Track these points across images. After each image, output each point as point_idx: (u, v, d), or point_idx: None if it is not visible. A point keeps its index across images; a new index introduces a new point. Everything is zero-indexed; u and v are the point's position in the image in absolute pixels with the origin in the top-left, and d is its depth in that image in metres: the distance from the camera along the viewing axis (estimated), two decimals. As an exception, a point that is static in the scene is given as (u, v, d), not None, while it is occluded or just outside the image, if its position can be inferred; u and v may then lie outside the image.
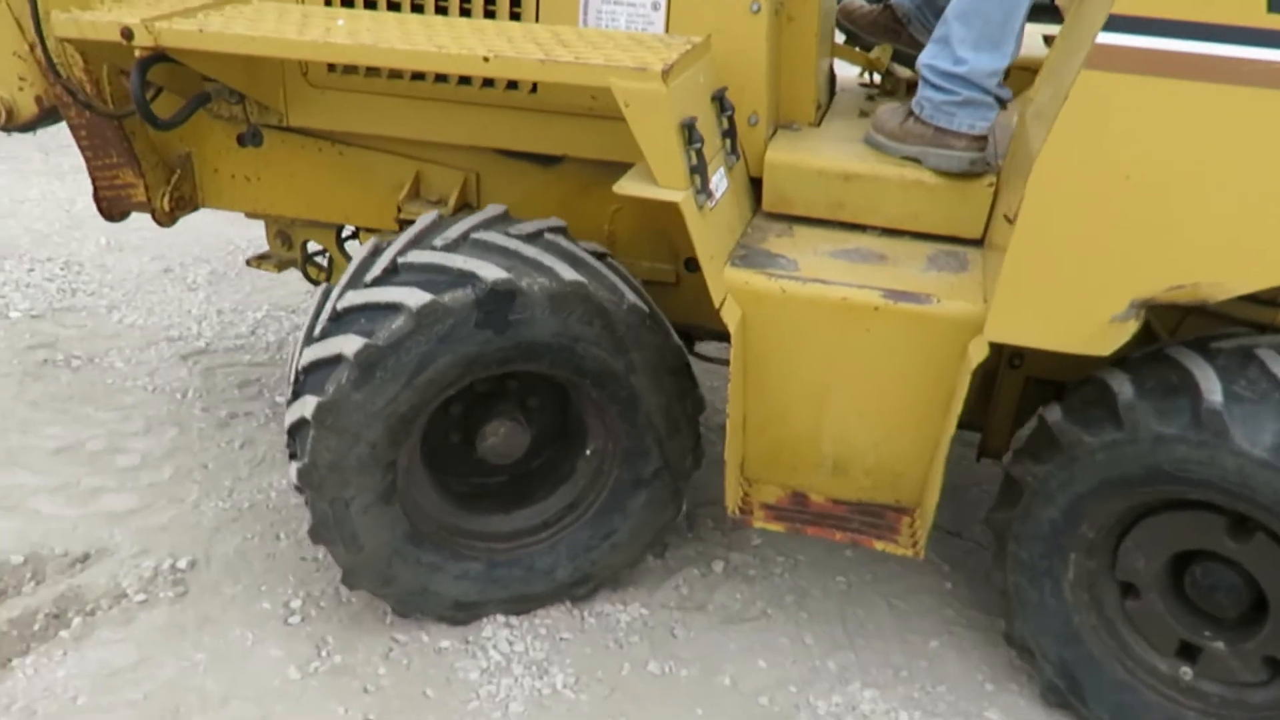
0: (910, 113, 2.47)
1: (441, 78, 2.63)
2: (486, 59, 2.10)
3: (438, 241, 2.36)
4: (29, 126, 2.98)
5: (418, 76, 2.64)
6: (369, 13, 2.51)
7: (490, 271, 2.21)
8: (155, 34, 2.25)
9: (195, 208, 3.08)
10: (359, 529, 2.37)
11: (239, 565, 2.73)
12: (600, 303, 2.28)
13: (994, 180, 2.36)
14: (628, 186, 2.11)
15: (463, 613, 2.54)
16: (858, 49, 3.14)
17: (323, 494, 2.31)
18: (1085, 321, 1.94)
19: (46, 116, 2.94)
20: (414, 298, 2.20)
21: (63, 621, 2.52)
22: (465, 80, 2.61)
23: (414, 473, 2.47)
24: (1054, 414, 2.12)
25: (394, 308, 2.20)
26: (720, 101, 2.36)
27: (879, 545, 2.26)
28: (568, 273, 2.28)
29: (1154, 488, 2.02)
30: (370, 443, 2.28)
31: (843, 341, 2.21)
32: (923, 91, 2.42)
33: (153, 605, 2.58)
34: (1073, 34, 2.08)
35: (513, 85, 2.59)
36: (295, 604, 2.60)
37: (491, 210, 2.48)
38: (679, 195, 2.08)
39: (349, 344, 2.21)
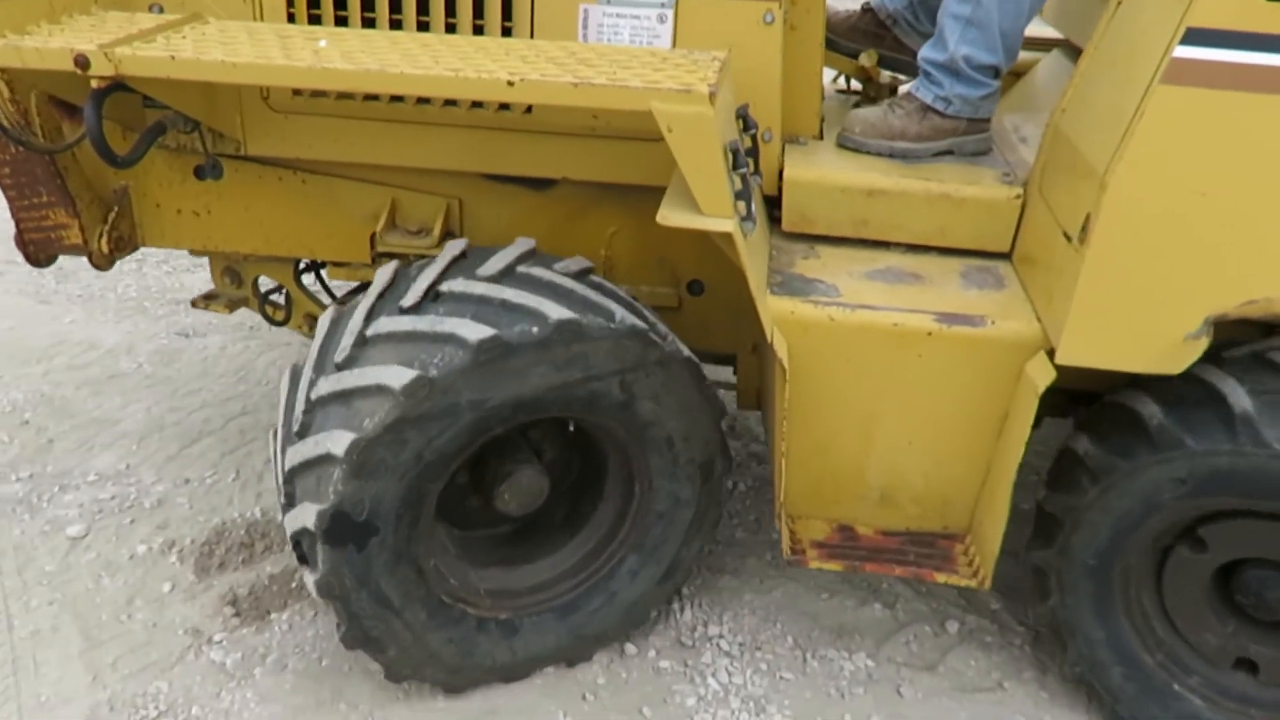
0: (929, 109, 2.43)
1: (424, 99, 2.42)
2: (511, 83, 1.91)
3: (405, 303, 2.12)
4: None
5: (397, 98, 2.43)
6: (353, 31, 2.28)
7: (474, 331, 2.00)
8: (116, 61, 1.98)
9: (135, 248, 2.76)
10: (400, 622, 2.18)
11: None
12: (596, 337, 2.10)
13: (1020, 193, 2.30)
14: (672, 218, 1.96)
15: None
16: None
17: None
18: (1159, 340, 1.90)
19: None
20: (399, 376, 1.98)
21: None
22: (451, 101, 2.41)
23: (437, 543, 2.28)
24: (1083, 444, 2.08)
25: (380, 390, 1.99)
26: (744, 120, 2.24)
27: (940, 578, 2.18)
28: (556, 312, 2.07)
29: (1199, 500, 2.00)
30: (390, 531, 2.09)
31: (893, 368, 2.12)
32: (953, 88, 2.39)
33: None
34: (1119, 43, 2.03)
35: (504, 105, 2.40)
36: None
37: (453, 250, 2.25)
38: (729, 224, 1.94)
39: (336, 441, 2.00)
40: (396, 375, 1.98)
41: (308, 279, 2.95)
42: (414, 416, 2.00)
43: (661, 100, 1.88)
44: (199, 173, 2.54)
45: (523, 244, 2.23)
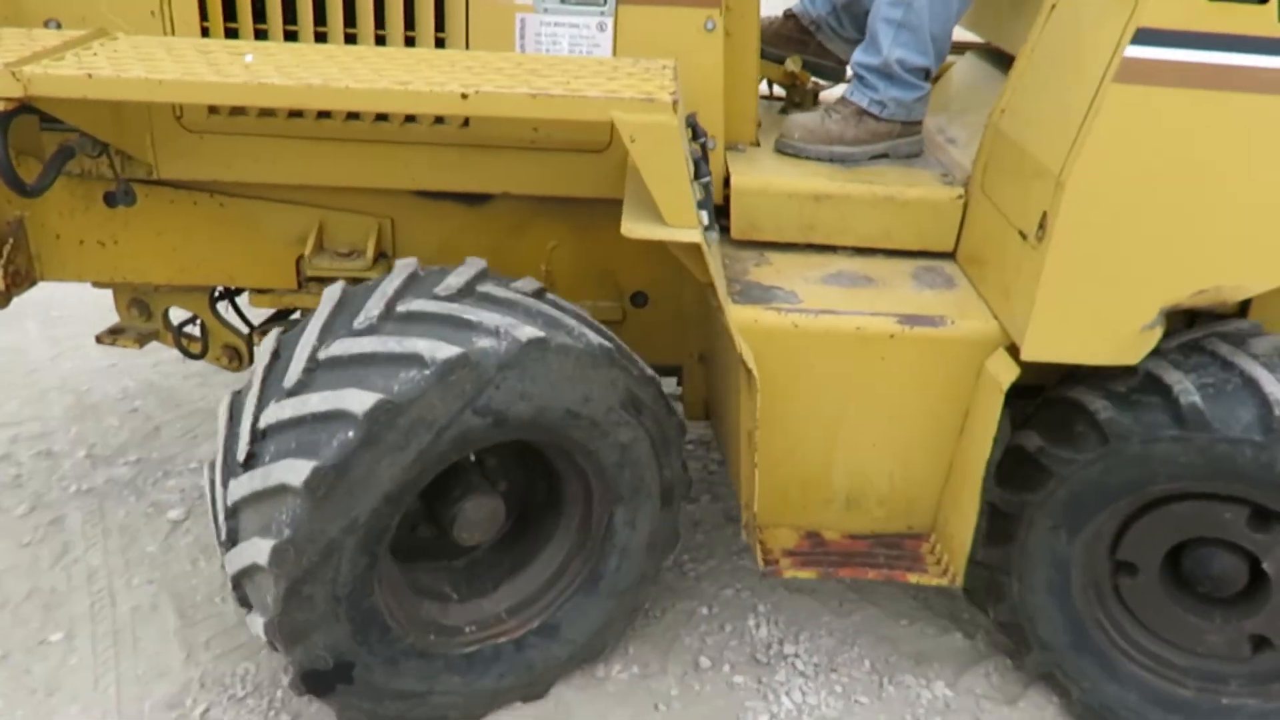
0: (865, 113, 2.46)
1: (353, 115, 2.31)
2: (465, 95, 1.83)
3: (359, 324, 2.00)
4: None
5: (324, 114, 2.31)
6: (279, 45, 2.16)
7: (443, 350, 1.91)
8: (25, 81, 1.82)
9: (33, 282, 2.56)
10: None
11: None
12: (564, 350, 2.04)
13: (962, 193, 2.34)
14: (637, 230, 1.91)
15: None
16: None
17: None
18: (1118, 332, 1.95)
19: None
20: (360, 400, 1.87)
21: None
22: (383, 116, 2.30)
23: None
24: (1033, 440, 2.13)
25: (340, 416, 1.87)
26: (694, 129, 2.21)
27: (912, 578, 2.19)
28: (524, 331, 1.99)
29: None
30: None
31: (857, 372, 2.12)
32: (887, 91, 2.41)
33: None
34: (1059, 46, 2.08)
35: (439, 120, 2.32)
36: None
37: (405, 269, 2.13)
38: (696, 235, 1.91)
39: (293, 471, 1.87)
40: (357, 399, 1.88)
41: (222, 308, 2.79)
42: (378, 441, 1.89)
43: (624, 110, 1.83)
44: (109, 199, 2.37)
45: (474, 263, 2.15)
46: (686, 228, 1.91)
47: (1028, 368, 2.03)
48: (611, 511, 2.23)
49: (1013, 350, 2.05)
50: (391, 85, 1.83)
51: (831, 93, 3.06)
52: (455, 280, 2.06)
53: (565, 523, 2.35)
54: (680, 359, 2.68)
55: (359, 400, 1.86)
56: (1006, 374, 2.02)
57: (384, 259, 2.53)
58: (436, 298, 2.03)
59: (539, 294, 2.16)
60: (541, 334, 1.97)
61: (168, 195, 2.46)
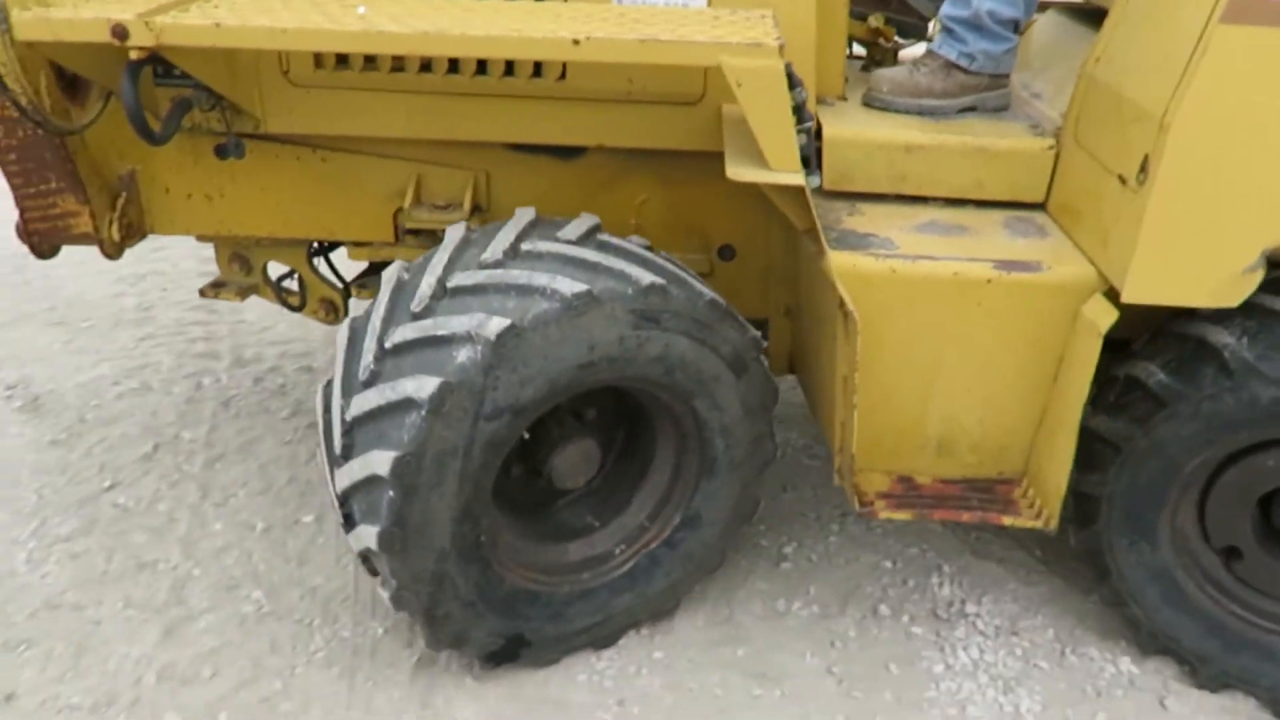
0: (953, 66, 2.48)
1: (453, 69, 2.37)
2: (576, 42, 1.88)
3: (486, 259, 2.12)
4: None
5: (425, 68, 2.37)
6: None
7: (570, 285, 2.01)
8: (157, 31, 1.89)
9: (143, 235, 2.66)
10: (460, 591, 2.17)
11: None
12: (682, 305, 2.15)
13: (1053, 144, 2.36)
14: (743, 173, 1.96)
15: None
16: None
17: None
18: (1220, 274, 1.96)
19: None
20: (492, 325, 1.97)
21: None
22: (481, 70, 2.36)
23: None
24: (1149, 372, 2.14)
25: (468, 338, 1.97)
26: (790, 78, 2.24)
27: (1007, 521, 2.22)
28: (646, 276, 2.10)
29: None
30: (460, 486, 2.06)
31: (954, 317, 2.15)
32: (976, 44, 2.43)
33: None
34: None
35: (537, 72, 2.37)
36: (789, 550, 2.79)
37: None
38: (800, 178, 1.95)
39: (421, 385, 1.96)
40: (488, 324, 1.96)
41: (318, 263, 2.88)
42: (501, 366, 1.98)
43: (731, 55, 1.87)
44: (220, 151, 2.46)
45: (589, 217, 2.23)
46: (790, 171, 1.95)
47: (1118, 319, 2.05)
48: (692, 406, 2.27)
49: (1109, 295, 2.07)
50: (506, 32, 1.89)
51: (911, 51, 3.08)
52: (575, 229, 2.16)
53: (661, 429, 2.42)
54: (766, 312, 2.72)
55: (490, 325, 1.96)
56: (1105, 318, 2.04)
57: (479, 212, 2.59)
58: (559, 240, 2.13)
59: (648, 248, 2.25)
60: (660, 280, 2.07)
61: (272, 150, 2.54)
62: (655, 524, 2.42)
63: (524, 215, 2.22)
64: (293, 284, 2.90)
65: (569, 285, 2.00)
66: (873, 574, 2.70)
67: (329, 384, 2.19)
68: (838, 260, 2.11)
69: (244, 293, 2.85)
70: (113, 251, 2.56)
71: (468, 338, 1.97)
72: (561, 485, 2.38)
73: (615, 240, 2.21)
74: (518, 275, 2.04)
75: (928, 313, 2.15)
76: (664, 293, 2.09)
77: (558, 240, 2.15)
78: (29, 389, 3.46)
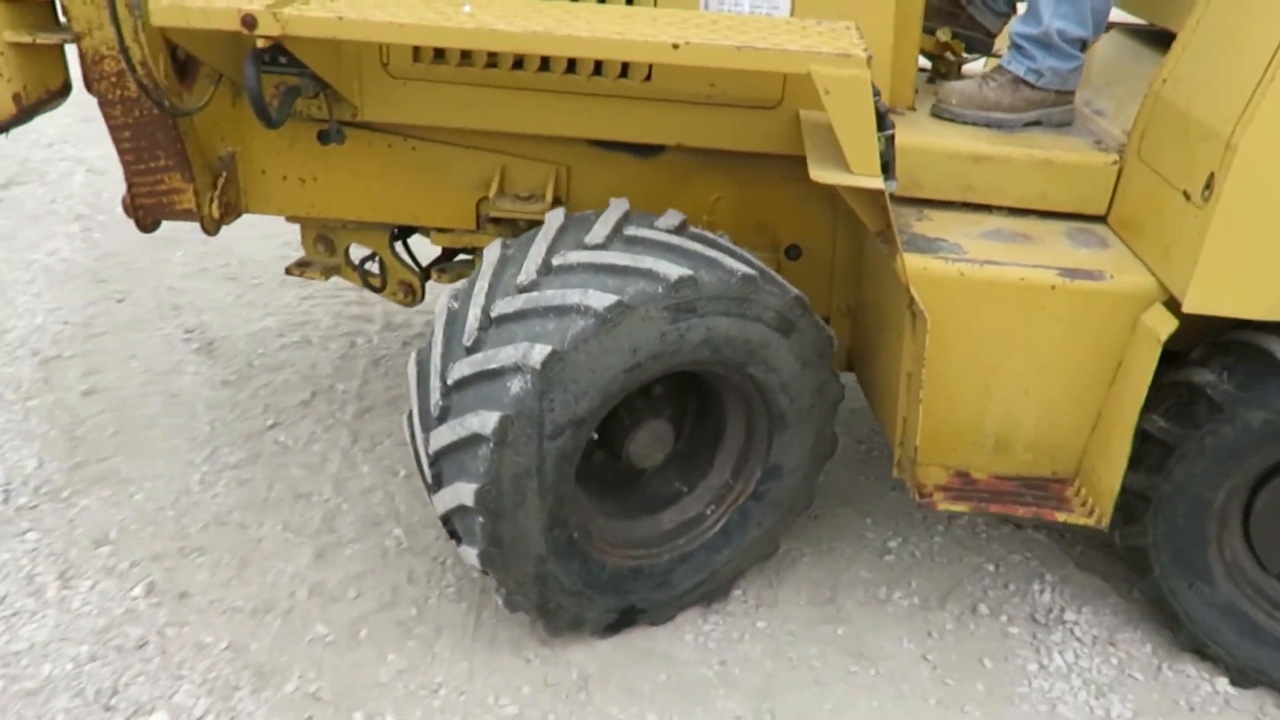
0: (1021, 81, 2.58)
1: (544, 67, 2.49)
2: (676, 46, 2.00)
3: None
4: (1, 129, 2.62)
5: (517, 65, 2.50)
6: None
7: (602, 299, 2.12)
8: (283, 23, 2.02)
9: (239, 214, 2.80)
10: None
11: (854, 493, 3.08)
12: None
13: (1117, 159, 2.45)
14: (826, 175, 2.07)
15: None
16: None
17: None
18: (1279, 289, 2.05)
19: (23, 116, 2.60)
20: (536, 354, 2.09)
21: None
22: (571, 68, 2.48)
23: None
24: (1205, 376, 2.23)
25: (651, 274, 2.14)
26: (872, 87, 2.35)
27: (1060, 517, 2.32)
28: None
29: None
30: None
31: (1017, 320, 2.25)
32: (1044, 61, 2.53)
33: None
34: (1228, 17, 2.18)
35: (624, 73, 2.49)
36: (893, 544, 2.88)
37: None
38: (879, 182, 2.06)
39: (533, 352, 2.08)
40: (533, 353, 2.08)
41: (398, 247, 3.00)
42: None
43: (822, 64, 1.98)
44: (323, 137, 2.59)
45: (676, 214, 2.37)
46: (871, 175, 2.06)
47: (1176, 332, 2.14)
48: (747, 374, 2.36)
49: (1169, 305, 2.17)
50: (610, 34, 2.01)
51: (973, 66, 3.18)
52: (601, 229, 2.27)
53: (726, 396, 2.53)
54: (827, 311, 2.83)
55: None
56: (1164, 327, 2.13)
57: (559, 204, 2.71)
58: (587, 248, 2.23)
59: (680, 228, 2.37)
60: (687, 271, 2.18)
61: (366, 137, 2.68)
62: (739, 481, 2.54)
63: (554, 221, 2.33)
64: (373, 266, 3.03)
65: (600, 299, 2.10)
66: (974, 574, 2.79)
67: (410, 415, 2.33)
68: (910, 262, 2.22)
69: (327, 272, 2.99)
70: (211, 228, 2.70)
71: (517, 369, 2.09)
72: (641, 465, 2.50)
73: (642, 233, 2.28)
74: (552, 296, 2.13)
75: (993, 315, 2.25)
76: (694, 283, 2.15)
77: (585, 248, 2.23)
78: (205, 334, 3.81)
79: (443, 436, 2.18)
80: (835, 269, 2.78)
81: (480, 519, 2.18)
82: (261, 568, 2.66)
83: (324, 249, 2.96)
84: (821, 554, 2.84)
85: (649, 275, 2.15)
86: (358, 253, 3.03)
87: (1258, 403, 2.15)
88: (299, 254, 3.01)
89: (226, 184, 2.69)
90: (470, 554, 2.25)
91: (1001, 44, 3.04)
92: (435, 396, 2.20)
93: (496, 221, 2.73)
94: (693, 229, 2.36)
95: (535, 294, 2.15)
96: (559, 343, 2.08)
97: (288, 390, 3.48)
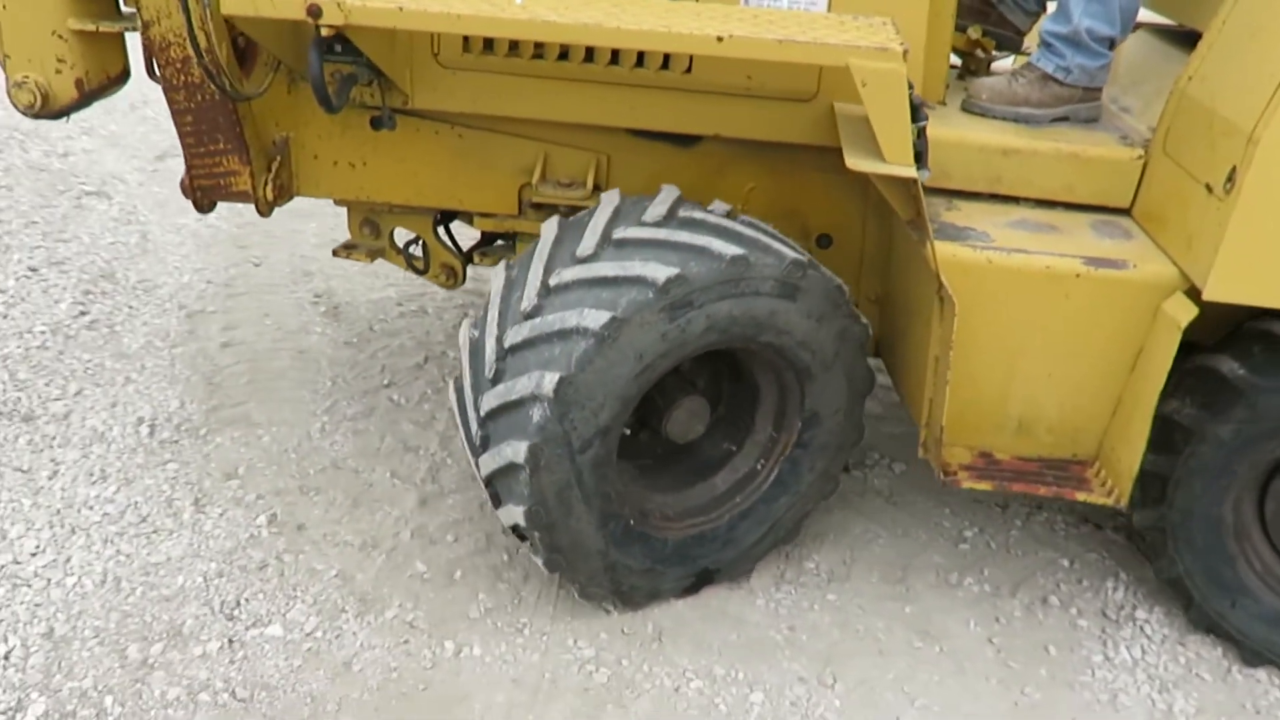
0: (1050, 78, 2.65)
1: (589, 58, 2.58)
2: (720, 39, 2.10)
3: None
4: (63, 112, 2.74)
5: (562, 56, 2.59)
6: None
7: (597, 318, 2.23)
8: (347, 12, 2.13)
9: (291, 196, 2.91)
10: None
11: (934, 482, 2.86)
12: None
13: (1142, 154, 2.53)
14: (861, 164, 2.16)
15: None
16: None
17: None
18: (1297, 279, 2.14)
19: (84, 101, 2.72)
20: (547, 383, 2.21)
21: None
22: (614, 60, 2.58)
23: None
24: (1229, 366, 2.31)
25: (640, 281, 2.22)
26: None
27: (1080, 496, 2.41)
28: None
29: None
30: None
31: (1042, 307, 2.34)
32: (1073, 58, 2.60)
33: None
34: (1255, 18, 2.26)
35: (665, 65, 2.58)
36: (969, 534, 2.96)
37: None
38: (913, 171, 2.15)
39: (592, 317, 2.21)
40: (545, 382, 2.21)
41: (440, 232, 3.11)
42: (611, 349, 2.22)
43: (859, 57, 2.07)
44: (375, 123, 2.69)
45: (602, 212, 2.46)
46: (905, 165, 2.15)
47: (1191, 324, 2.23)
48: (761, 342, 2.43)
49: (1190, 294, 2.25)
50: (657, 27, 2.10)
51: (1002, 63, 3.26)
52: (590, 240, 2.35)
53: (749, 361, 2.62)
54: (856, 298, 2.92)
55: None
56: (1185, 314, 2.22)
57: (598, 191, 2.81)
58: (579, 261, 2.32)
59: (669, 215, 2.44)
60: (675, 270, 2.26)
61: (414, 124, 2.78)
62: (783, 433, 2.63)
63: (548, 234, 2.43)
64: (416, 250, 3.13)
65: (595, 318, 2.20)
66: (1048, 568, 2.85)
67: (474, 320, 2.48)
68: (940, 249, 2.30)
69: (372, 255, 3.10)
70: (265, 209, 2.81)
71: (534, 398, 2.23)
72: (684, 440, 2.62)
73: (631, 234, 2.35)
74: (553, 320, 2.24)
75: (1018, 302, 2.34)
76: (683, 280, 2.23)
77: (578, 261, 2.31)
78: (331, 299, 4.10)
79: (488, 463, 2.34)
80: (865, 258, 2.87)
81: (536, 534, 2.35)
82: (370, 509, 2.91)
83: (370, 232, 3.07)
84: (897, 538, 2.94)
85: (639, 282, 2.23)
86: (402, 237, 3.14)
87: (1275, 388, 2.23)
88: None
89: (280, 167, 2.80)
90: (538, 562, 2.44)
91: (1031, 42, 3.12)
92: (474, 425, 2.36)
93: (538, 207, 2.83)
94: (681, 214, 2.40)
95: (538, 320, 2.27)
96: (566, 368, 2.20)
97: (403, 354, 3.74)
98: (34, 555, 2.58)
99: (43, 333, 3.52)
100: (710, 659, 2.48)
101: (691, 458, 2.71)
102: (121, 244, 4.28)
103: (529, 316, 2.30)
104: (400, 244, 3.12)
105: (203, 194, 2.78)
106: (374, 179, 2.88)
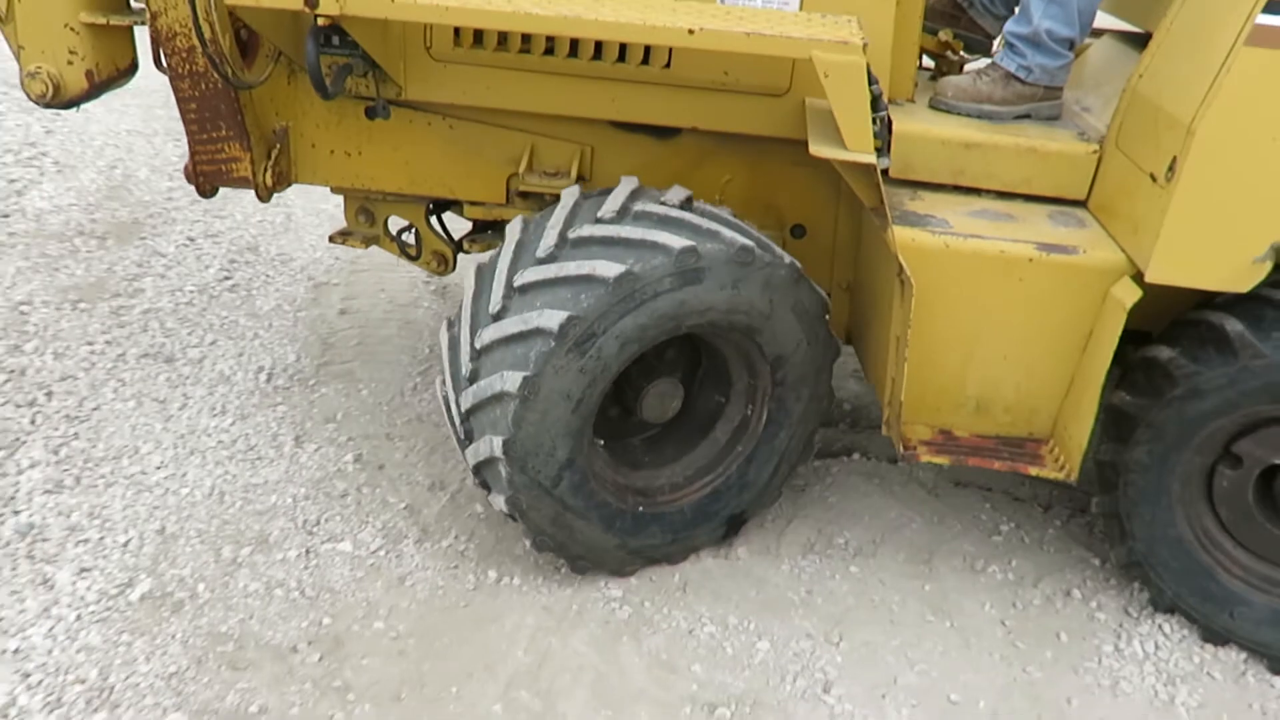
0: (1012, 77, 2.79)
1: (573, 53, 2.72)
2: (691, 31, 2.24)
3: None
4: (74, 102, 2.88)
5: (548, 51, 2.73)
6: None
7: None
8: (342, 3, 2.27)
9: (289, 184, 3.05)
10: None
11: (978, 477, 3.28)
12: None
13: (1097, 149, 2.67)
14: (823, 150, 2.29)
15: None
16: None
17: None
18: (1233, 262, 2.26)
19: (94, 92, 2.86)
20: (610, 270, 2.33)
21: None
22: (597, 54, 2.72)
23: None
24: (1165, 353, 2.44)
25: (590, 280, 2.34)
26: (869, 74, 2.57)
27: (1033, 471, 2.53)
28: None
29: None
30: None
31: (997, 290, 2.47)
32: (1034, 58, 2.74)
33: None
34: (1196, 18, 2.40)
35: (645, 60, 2.72)
36: (1005, 528, 3.06)
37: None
38: (871, 158, 2.28)
39: (549, 318, 2.32)
40: (511, 378, 2.35)
41: (433, 220, 3.25)
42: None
43: (822, 50, 2.21)
44: (370, 113, 2.84)
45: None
46: (865, 152, 2.29)
47: (1136, 312, 2.36)
48: (692, 325, 2.52)
49: (1136, 279, 2.38)
50: (634, 19, 2.24)
51: (974, 65, 3.40)
52: (549, 239, 2.46)
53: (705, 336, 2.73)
54: (828, 287, 3.05)
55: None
56: (1130, 296, 2.35)
57: (582, 181, 2.95)
58: (540, 262, 2.44)
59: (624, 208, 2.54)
60: (622, 267, 2.37)
61: (408, 115, 2.92)
62: (759, 378, 2.74)
63: (513, 235, 2.55)
64: (409, 238, 3.27)
65: (554, 318, 2.32)
66: (1079, 566, 2.93)
67: (452, 320, 2.62)
68: (899, 234, 2.44)
69: (367, 241, 3.24)
70: (264, 195, 2.95)
71: (501, 397, 2.38)
72: (664, 419, 2.78)
73: (584, 232, 2.44)
74: (513, 323, 2.37)
75: (975, 285, 2.46)
76: (632, 278, 2.34)
77: (539, 263, 2.42)
78: (441, 281, 4.41)
79: (473, 455, 2.54)
80: (836, 248, 3.00)
81: (550, 554, 2.66)
82: (444, 457, 3.22)
83: (365, 220, 3.21)
84: (931, 525, 3.06)
85: (588, 281, 2.34)
86: (395, 225, 3.28)
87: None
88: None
89: (279, 155, 2.94)
90: (565, 564, 2.71)
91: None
92: (458, 421, 2.56)
93: (525, 196, 2.97)
94: (636, 207, 2.50)
95: (505, 323, 2.41)
96: (533, 371, 2.35)
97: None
98: (158, 469, 3.04)
99: (191, 292, 4.10)
100: (726, 609, 2.68)
101: (692, 418, 2.85)
102: (268, 222, 4.83)
103: (496, 318, 2.43)
104: (394, 232, 3.25)
105: (205, 179, 2.92)
106: (369, 167, 3.01)
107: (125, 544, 2.72)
